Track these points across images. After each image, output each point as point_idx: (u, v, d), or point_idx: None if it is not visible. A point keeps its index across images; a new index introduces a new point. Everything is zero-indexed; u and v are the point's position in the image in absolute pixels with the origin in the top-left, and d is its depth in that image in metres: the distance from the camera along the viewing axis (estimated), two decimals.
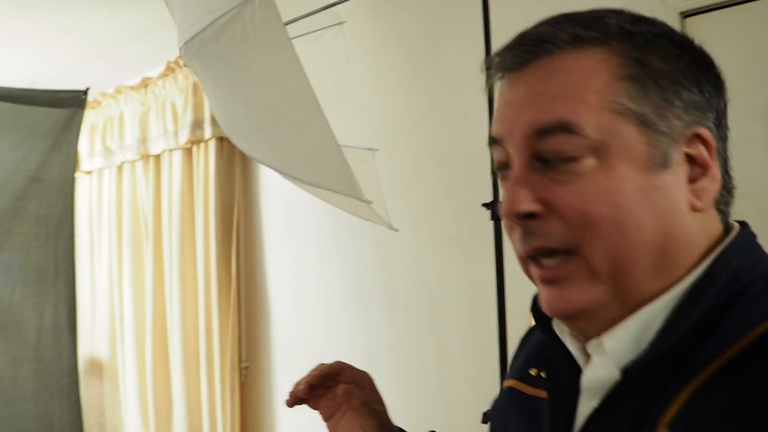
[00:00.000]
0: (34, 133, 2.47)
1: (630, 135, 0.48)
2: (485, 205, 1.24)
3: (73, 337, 2.45)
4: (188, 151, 2.79)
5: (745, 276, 0.48)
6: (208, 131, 2.60)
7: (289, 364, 2.45)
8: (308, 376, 0.77)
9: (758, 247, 0.52)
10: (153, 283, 2.86)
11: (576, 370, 0.54)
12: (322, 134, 0.97)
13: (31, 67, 2.85)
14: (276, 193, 2.53)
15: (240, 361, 2.58)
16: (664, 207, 0.48)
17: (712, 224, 0.52)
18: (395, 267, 2.00)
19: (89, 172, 3.34)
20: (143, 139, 2.96)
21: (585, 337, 0.53)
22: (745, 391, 0.42)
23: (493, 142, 0.53)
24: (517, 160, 0.50)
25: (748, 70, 1.28)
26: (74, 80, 2.63)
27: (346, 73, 1.96)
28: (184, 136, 2.69)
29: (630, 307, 0.49)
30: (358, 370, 0.82)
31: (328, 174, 1.05)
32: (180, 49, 1.18)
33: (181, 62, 2.71)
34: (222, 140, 2.61)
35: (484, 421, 1.20)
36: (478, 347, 1.75)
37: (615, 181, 0.47)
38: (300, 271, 2.36)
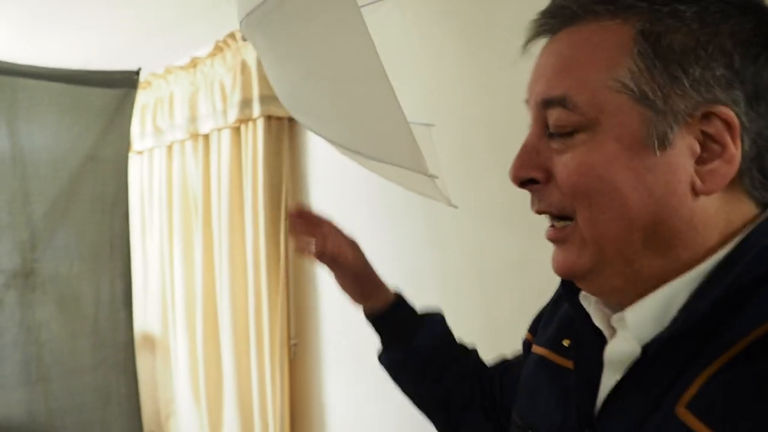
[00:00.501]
0: (88, 113, 2.52)
1: (624, 113, 0.48)
2: None
3: (129, 312, 2.52)
4: (236, 130, 2.80)
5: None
6: (256, 110, 2.60)
7: (337, 341, 2.46)
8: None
9: None
10: (203, 261, 2.90)
11: (602, 343, 0.55)
12: (389, 107, 0.94)
13: (84, 49, 2.90)
14: (324, 171, 2.52)
15: (289, 337, 2.61)
16: (657, 187, 0.48)
17: (739, 207, 0.50)
18: (447, 246, 1.97)
19: (140, 152, 3.40)
20: (192, 119, 2.99)
21: (612, 310, 0.54)
22: (766, 375, 0.41)
23: (528, 103, 0.57)
24: (532, 128, 0.54)
25: None
26: (126, 61, 2.66)
27: (401, 47, 1.92)
28: (233, 115, 2.70)
29: (641, 282, 0.50)
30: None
31: (394, 148, 1.02)
32: (240, 22, 1.16)
33: (229, 41, 2.71)
34: (270, 119, 2.61)
35: None
36: None
37: (603, 156, 0.48)
38: None
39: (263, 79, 2.48)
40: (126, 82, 2.58)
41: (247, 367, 2.69)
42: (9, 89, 2.31)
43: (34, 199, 2.36)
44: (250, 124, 2.68)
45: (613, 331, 0.54)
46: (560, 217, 0.53)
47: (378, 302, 0.92)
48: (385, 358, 0.93)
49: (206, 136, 2.99)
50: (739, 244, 0.48)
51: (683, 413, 0.44)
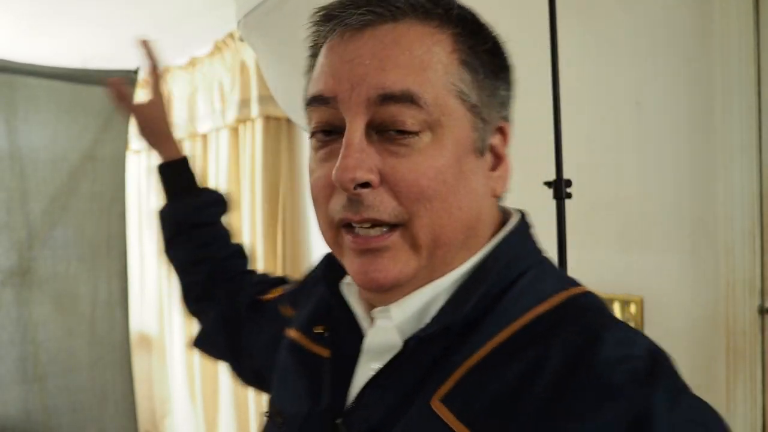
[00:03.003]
0: (87, 112, 2.51)
1: (461, 118, 0.49)
2: (548, 183, 1.20)
3: (125, 312, 2.52)
4: (235, 130, 2.80)
5: (520, 264, 0.51)
6: (254, 110, 2.60)
7: None
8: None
9: (532, 236, 0.56)
10: None
11: (359, 334, 0.56)
12: None
13: (83, 48, 2.90)
14: None
15: None
16: (477, 190, 0.51)
17: (496, 210, 0.55)
18: None
19: (138, 151, 3.40)
20: (191, 118, 2.99)
21: (370, 304, 0.55)
22: (512, 373, 0.45)
23: (321, 100, 0.50)
24: (354, 125, 0.48)
25: None
26: (125, 60, 2.66)
27: None
28: (231, 115, 2.71)
29: (432, 278, 0.52)
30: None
31: None
32: (239, 22, 1.17)
33: (228, 42, 2.71)
34: (268, 119, 2.62)
35: None
36: None
37: (446, 160, 0.48)
38: None
39: (262, 79, 2.49)
40: (125, 81, 2.57)
41: None
42: (7, 87, 2.30)
43: (31, 197, 2.35)
44: (249, 124, 2.69)
45: (372, 321, 0.55)
46: (383, 224, 0.48)
47: (170, 152, 0.96)
48: (168, 209, 0.95)
49: (205, 136, 2.99)
50: (492, 251, 0.52)
51: (438, 406, 0.47)
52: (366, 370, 0.54)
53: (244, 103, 2.66)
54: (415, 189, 0.48)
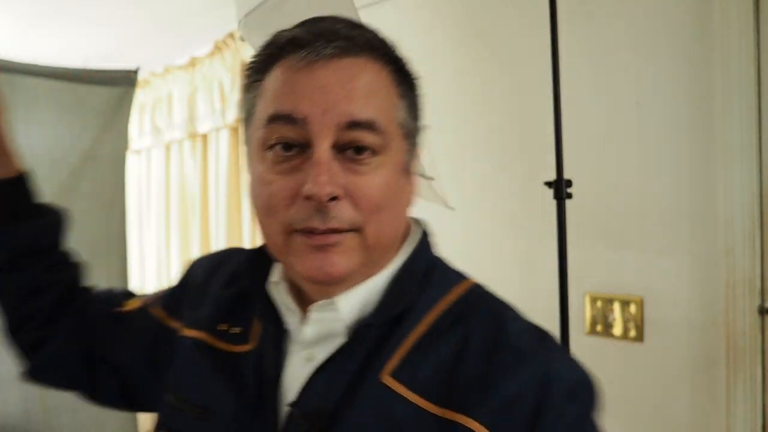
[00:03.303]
0: (87, 112, 2.51)
1: (400, 143, 0.59)
2: (548, 183, 1.20)
3: None
4: (235, 130, 2.80)
5: (431, 261, 0.64)
6: None
7: None
8: None
9: (432, 240, 0.68)
10: None
11: (281, 329, 0.63)
12: None
13: (83, 47, 2.90)
14: None
15: None
16: (405, 203, 0.62)
17: (407, 219, 0.66)
18: (444, 246, 1.98)
19: (139, 151, 3.40)
20: (191, 118, 2.99)
21: (305, 300, 0.62)
22: (446, 348, 0.57)
23: (289, 119, 0.56)
24: (323, 145, 0.55)
25: None
26: (125, 60, 2.66)
27: (399, 49, 1.92)
28: (232, 115, 2.71)
29: (367, 275, 0.61)
30: None
31: None
32: (239, 22, 1.17)
33: (228, 41, 2.71)
34: None
35: None
36: None
37: (390, 178, 0.58)
38: None
39: None
40: (125, 81, 2.57)
41: None
42: (7, 87, 2.29)
43: None
44: None
45: (304, 315, 0.61)
46: (341, 230, 0.56)
47: (5, 169, 0.80)
48: (2, 235, 0.81)
49: (204, 136, 2.99)
50: (414, 251, 0.63)
51: (389, 380, 0.57)
52: (298, 360, 0.61)
53: None
54: (372, 201, 0.56)
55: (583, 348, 1.59)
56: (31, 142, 2.36)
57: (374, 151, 0.56)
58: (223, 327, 0.67)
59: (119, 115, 2.58)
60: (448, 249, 2.14)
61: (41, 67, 2.38)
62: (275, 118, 0.56)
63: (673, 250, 1.44)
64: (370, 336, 0.59)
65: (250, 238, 2.67)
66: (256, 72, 0.59)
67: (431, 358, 0.57)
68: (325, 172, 0.54)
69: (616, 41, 1.52)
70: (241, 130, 0.66)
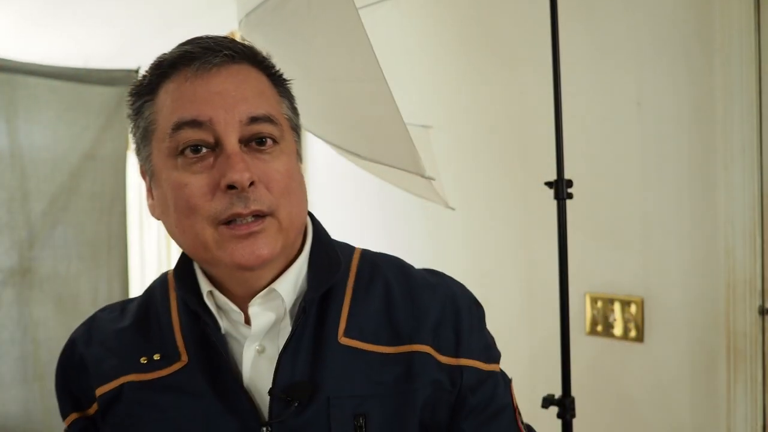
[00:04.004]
0: (88, 111, 2.51)
1: (290, 133, 0.67)
2: (548, 183, 1.20)
3: None
4: None
5: (328, 237, 0.74)
6: None
7: None
8: None
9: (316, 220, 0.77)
10: None
11: (220, 336, 0.67)
12: (387, 109, 0.94)
13: (84, 47, 2.90)
14: (323, 172, 2.52)
15: None
16: (305, 188, 0.69)
17: None
18: (445, 246, 1.98)
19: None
20: None
21: (244, 297, 0.67)
22: (375, 299, 0.69)
23: (196, 124, 0.62)
24: (232, 140, 0.62)
25: None
26: (125, 59, 2.66)
27: (400, 49, 1.93)
28: None
29: (288, 261, 0.68)
30: None
31: (391, 150, 1.02)
32: (240, 21, 1.17)
33: None
34: None
35: (544, 406, 1.17)
36: (533, 329, 1.72)
37: (291, 164, 0.66)
38: None
39: None
40: (125, 80, 2.57)
41: None
42: (8, 87, 2.30)
43: (32, 197, 2.35)
44: None
45: (244, 317, 0.66)
46: (263, 214, 0.63)
47: None
48: None
49: None
50: (320, 234, 0.73)
51: (345, 340, 0.67)
52: (251, 353, 0.67)
53: None
54: (282, 185, 0.63)
55: (583, 348, 1.59)
56: (32, 142, 2.36)
57: (274, 141, 0.64)
58: (144, 359, 0.69)
59: (119, 114, 2.58)
60: (449, 248, 2.15)
61: (41, 66, 2.38)
62: (181, 125, 0.62)
63: (674, 251, 1.44)
64: (311, 310, 0.68)
65: None
66: (146, 93, 0.65)
67: (368, 312, 0.69)
68: (241, 161, 0.61)
69: (616, 41, 1.52)
70: (135, 158, 0.73)
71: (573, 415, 1.19)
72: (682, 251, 1.43)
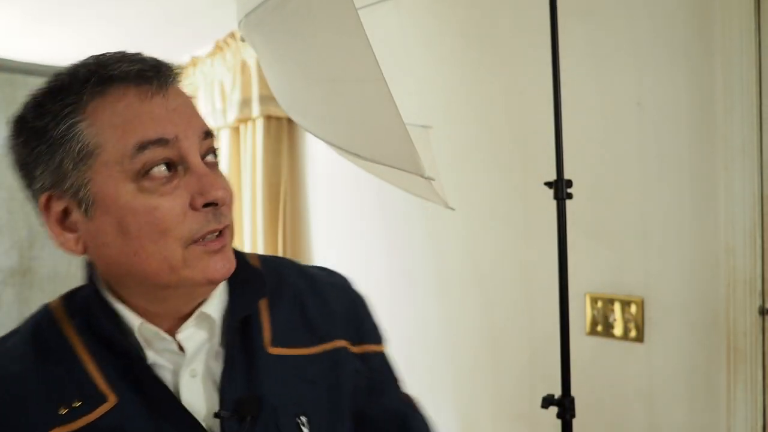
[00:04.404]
0: None
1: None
2: (548, 183, 1.20)
3: None
4: (236, 130, 2.80)
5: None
6: (255, 110, 2.60)
7: None
8: None
9: None
10: None
11: (146, 370, 0.64)
12: (386, 109, 0.94)
13: (84, 47, 2.90)
14: (323, 171, 2.52)
15: None
16: None
17: None
18: (444, 246, 1.98)
19: None
20: None
21: (165, 325, 0.65)
22: (288, 305, 0.73)
23: (162, 142, 0.60)
24: (196, 157, 0.62)
25: None
26: None
27: (399, 49, 1.92)
28: (233, 114, 2.71)
29: None
30: None
31: (391, 150, 1.02)
32: (239, 22, 1.16)
33: (229, 41, 2.71)
34: (269, 119, 2.62)
35: (544, 406, 1.17)
36: (533, 328, 1.72)
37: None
38: (346, 249, 2.36)
39: (263, 79, 2.49)
40: None
41: None
42: (8, 87, 2.31)
43: None
44: (250, 123, 2.69)
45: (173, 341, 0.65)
46: (228, 227, 0.64)
47: None
48: None
49: None
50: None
51: (274, 350, 0.69)
52: (186, 379, 0.65)
53: (245, 103, 2.66)
54: (231, 199, 0.65)
55: (583, 348, 1.59)
56: None
57: (215, 153, 0.67)
58: (63, 410, 0.61)
59: None
60: (449, 248, 2.14)
61: (42, 66, 2.38)
62: (147, 145, 0.59)
63: (674, 251, 1.44)
64: (234, 327, 0.68)
65: (252, 236, 2.67)
66: (71, 114, 0.60)
67: (285, 318, 0.72)
68: (216, 178, 0.62)
69: (616, 41, 1.52)
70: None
71: (573, 415, 1.19)
72: (682, 251, 1.43)
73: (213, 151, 0.65)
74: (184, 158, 0.61)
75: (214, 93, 2.83)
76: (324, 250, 2.51)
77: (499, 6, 1.77)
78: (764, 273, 1.33)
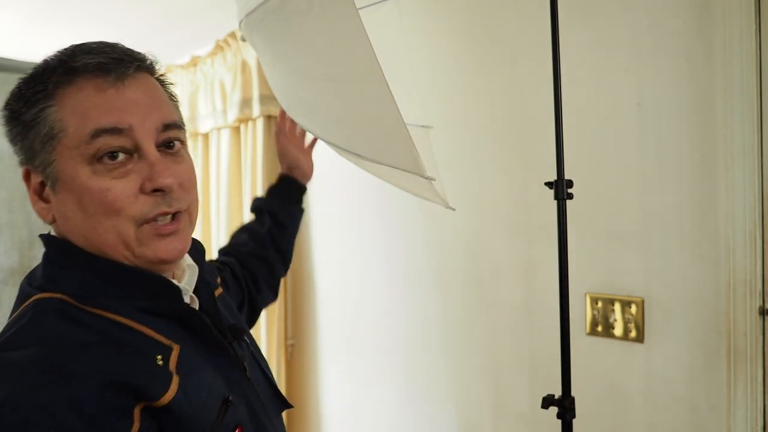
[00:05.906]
0: None
1: (185, 134, 0.76)
2: (548, 184, 1.20)
3: None
4: (236, 130, 2.80)
5: None
6: (256, 110, 2.60)
7: (333, 341, 2.46)
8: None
9: None
10: None
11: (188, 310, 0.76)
12: (386, 109, 0.94)
13: None
14: (323, 171, 2.52)
15: (286, 338, 2.61)
16: None
17: None
18: (445, 246, 1.98)
19: None
20: (192, 118, 2.99)
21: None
22: (208, 265, 0.96)
23: (116, 131, 0.66)
24: (150, 146, 0.68)
25: None
26: None
27: (400, 49, 1.92)
28: (233, 114, 2.71)
29: None
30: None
31: (392, 150, 1.02)
32: (240, 21, 1.16)
33: (230, 41, 2.71)
34: (270, 118, 2.62)
35: (544, 406, 1.17)
36: (533, 329, 1.72)
37: (191, 162, 0.75)
38: (346, 249, 2.36)
39: (263, 78, 2.49)
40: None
41: None
42: (8, 87, 2.30)
43: None
44: (250, 123, 2.69)
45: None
46: (181, 211, 0.71)
47: (298, 176, 1.43)
48: (298, 209, 1.41)
49: (206, 135, 2.99)
50: None
51: (218, 292, 0.92)
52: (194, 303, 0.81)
53: (246, 103, 2.66)
54: (191, 183, 0.72)
55: (583, 348, 1.59)
56: None
57: (182, 143, 0.73)
58: (158, 360, 0.67)
59: None
60: (449, 248, 2.14)
61: None
62: (100, 133, 0.65)
63: (674, 251, 1.44)
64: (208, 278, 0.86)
65: None
66: (43, 99, 0.67)
67: (216, 273, 0.99)
68: (166, 167, 0.68)
69: (616, 41, 1.52)
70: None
71: (573, 415, 1.18)
72: (682, 251, 1.43)
73: (173, 141, 0.71)
74: (138, 146, 0.67)
75: (214, 93, 2.83)
76: (324, 250, 2.51)
77: (500, 6, 1.77)
78: (764, 273, 1.33)
